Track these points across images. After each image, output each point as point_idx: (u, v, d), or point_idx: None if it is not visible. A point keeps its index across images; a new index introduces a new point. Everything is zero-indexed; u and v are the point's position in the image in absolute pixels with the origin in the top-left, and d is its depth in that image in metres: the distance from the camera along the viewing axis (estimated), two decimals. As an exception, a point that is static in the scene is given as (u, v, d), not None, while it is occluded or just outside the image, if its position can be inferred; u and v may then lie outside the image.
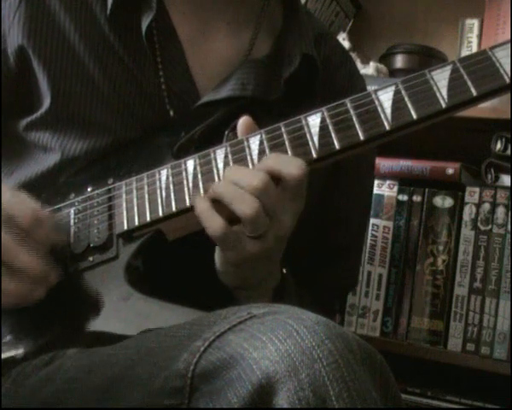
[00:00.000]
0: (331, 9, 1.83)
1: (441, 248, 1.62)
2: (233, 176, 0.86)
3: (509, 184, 1.60)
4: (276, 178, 0.85)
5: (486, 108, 1.60)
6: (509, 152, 1.62)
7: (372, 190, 1.22)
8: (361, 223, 1.23)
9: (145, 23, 0.99)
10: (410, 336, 1.64)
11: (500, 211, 1.59)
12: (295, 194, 0.86)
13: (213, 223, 0.85)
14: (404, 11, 1.93)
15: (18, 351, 0.88)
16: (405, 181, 1.69)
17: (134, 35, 1.00)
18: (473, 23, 1.80)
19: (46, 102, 0.99)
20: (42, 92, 1.00)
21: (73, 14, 1.00)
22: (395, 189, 1.68)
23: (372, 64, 1.73)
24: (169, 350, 0.72)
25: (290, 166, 0.85)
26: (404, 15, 1.93)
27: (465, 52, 1.78)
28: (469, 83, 0.85)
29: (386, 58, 1.79)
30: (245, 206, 0.83)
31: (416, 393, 1.62)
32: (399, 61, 1.77)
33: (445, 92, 0.86)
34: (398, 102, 0.87)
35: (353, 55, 1.75)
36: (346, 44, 1.78)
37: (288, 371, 0.64)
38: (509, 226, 1.58)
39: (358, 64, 1.72)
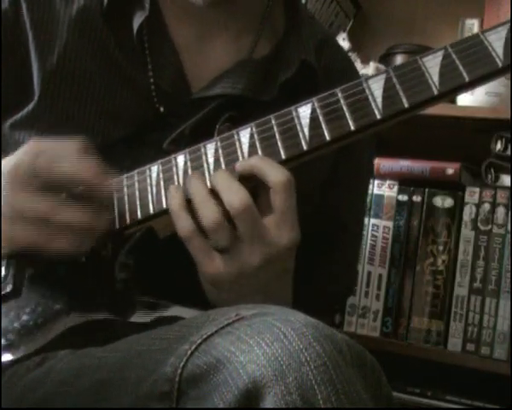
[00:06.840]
0: (331, 9, 1.83)
1: (441, 248, 1.62)
2: (214, 182, 0.84)
3: (509, 184, 1.60)
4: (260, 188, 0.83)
5: (486, 108, 1.59)
6: (509, 152, 1.61)
7: (367, 190, 1.21)
8: (358, 225, 1.21)
9: (137, 23, 0.98)
10: (410, 337, 1.64)
11: (500, 211, 1.59)
12: (284, 211, 0.82)
13: (181, 223, 0.83)
14: (404, 11, 1.93)
15: (11, 353, 0.88)
16: (405, 181, 1.68)
17: (126, 33, 1.00)
18: (473, 23, 1.80)
19: (33, 100, 0.98)
20: (30, 88, 0.99)
21: (69, 7, 1.00)
22: (395, 189, 1.68)
23: (372, 64, 1.73)
24: (157, 353, 0.71)
25: (275, 170, 0.83)
26: (404, 15, 1.92)
27: (465, 52, 1.78)
28: (461, 68, 0.83)
29: (386, 58, 1.79)
30: (207, 212, 0.81)
31: (416, 393, 1.62)
32: (399, 61, 1.76)
33: (436, 78, 0.83)
34: (389, 89, 0.85)
35: (353, 55, 1.75)
36: (346, 44, 1.77)
37: (274, 375, 0.63)
38: (509, 226, 1.58)
39: (358, 64, 1.72)
